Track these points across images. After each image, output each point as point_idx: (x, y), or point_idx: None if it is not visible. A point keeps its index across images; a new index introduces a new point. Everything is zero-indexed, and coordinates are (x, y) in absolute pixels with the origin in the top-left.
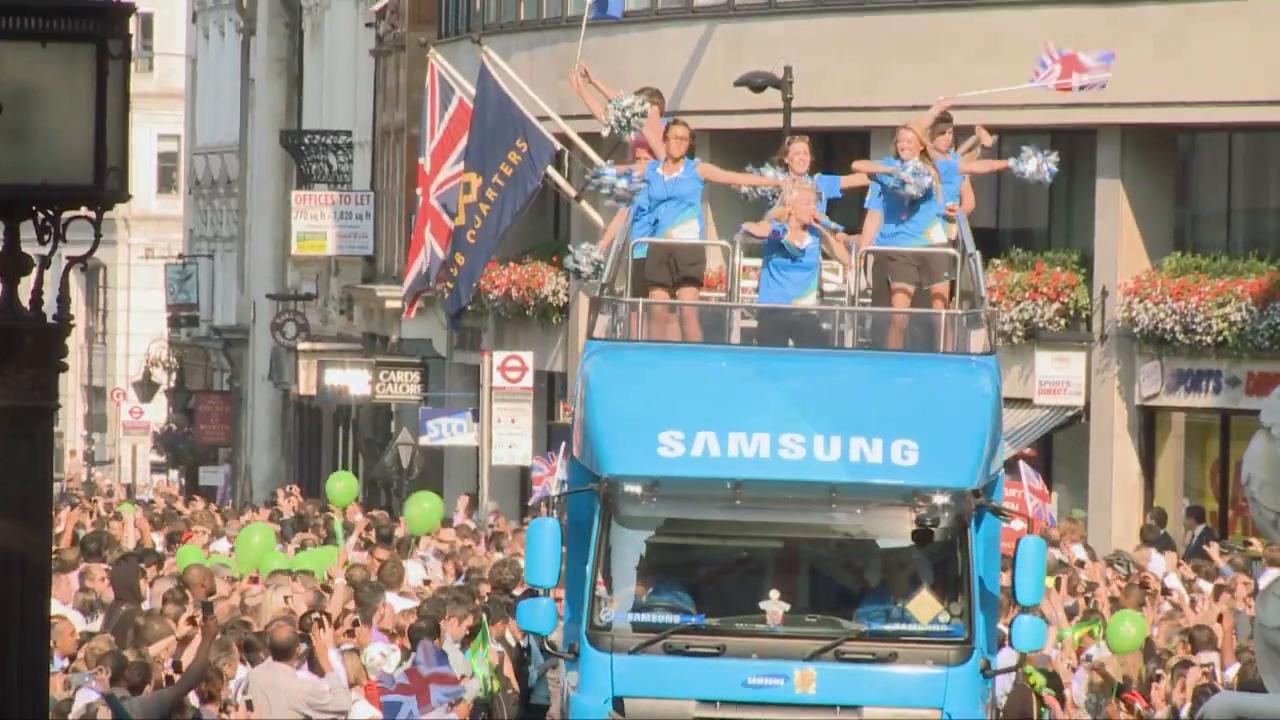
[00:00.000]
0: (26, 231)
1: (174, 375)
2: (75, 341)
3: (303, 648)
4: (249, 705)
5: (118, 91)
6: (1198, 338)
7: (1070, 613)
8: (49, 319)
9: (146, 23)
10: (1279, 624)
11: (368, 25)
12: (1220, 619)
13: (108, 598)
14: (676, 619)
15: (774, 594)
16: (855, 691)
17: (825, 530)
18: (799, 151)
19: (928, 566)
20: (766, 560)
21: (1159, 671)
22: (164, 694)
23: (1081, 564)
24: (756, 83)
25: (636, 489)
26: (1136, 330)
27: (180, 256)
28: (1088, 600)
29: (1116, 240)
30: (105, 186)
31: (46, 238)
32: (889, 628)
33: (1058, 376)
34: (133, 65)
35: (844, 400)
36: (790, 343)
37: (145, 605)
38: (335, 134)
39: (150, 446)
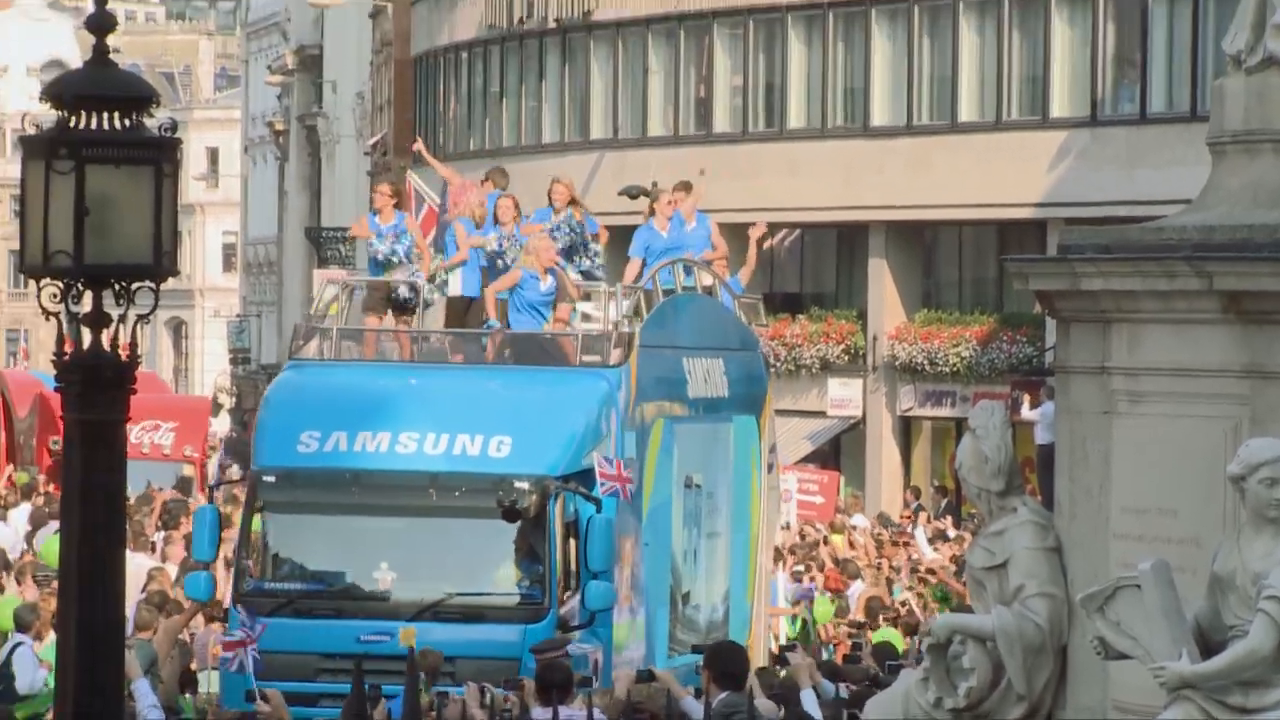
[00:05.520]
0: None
1: (234, 398)
2: (166, 375)
3: None
4: None
5: (169, 199)
6: (939, 368)
7: (843, 564)
8: (123, 358)
9: (214, 154)
10: (982, 565)
11: (365, 154)
12: (952, 560)
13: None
14: (302, 586)
15: (384, 565)
16: (449, 645)
17: (428, 511)
18: (558, 191)
19: (513, 541)
20: (380, 537)
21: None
22: None
23: (854, 527)
24: (633, 192)
25: (273, 478)
26: (897, 363)
27: (238, 315)
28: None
29: (883, 301)
30: (161, 265)
31: (121, 301)
32: (478, 592)
33: (843, 395)
34: (203, 183)
35: (458, 404)
36: (456, 360)
37: None
38: (343, 229)
39: (219, 449)
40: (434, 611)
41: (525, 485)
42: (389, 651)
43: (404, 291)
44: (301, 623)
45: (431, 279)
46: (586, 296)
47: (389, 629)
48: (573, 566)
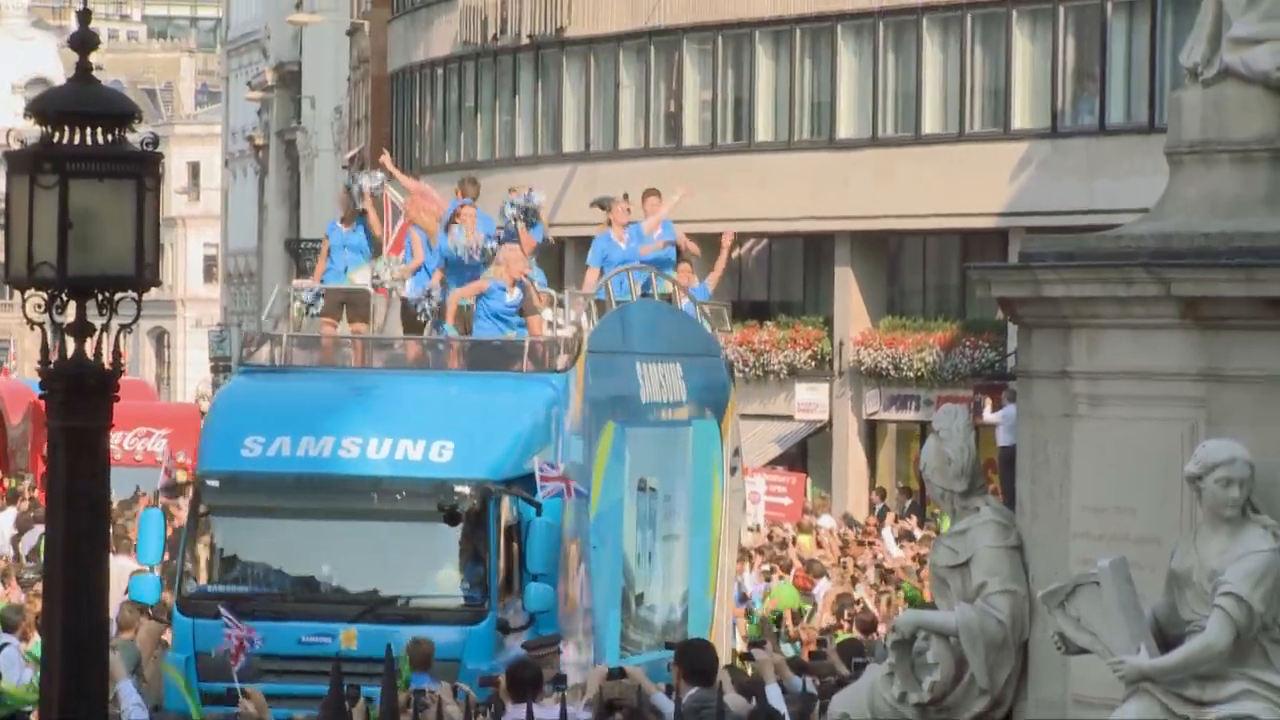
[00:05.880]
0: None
1: None
2: (149, 383)
3: None
4: None
5: (152, 212)
6: (904, 373)
7: (809, 563)
8: (106, 366)
9: (195, 168)
10: (945, 563)
11: (344, 168)
12: (915, 559)
13: None
14: (246, 589)
15: (326, 568)
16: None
17: (370, 515)
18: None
19: (455, 544)
20: (322, 540)
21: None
22: None
23: (820, 528)
24: (605, 203)
25: (216, 482)
26: (863, 368)
27: (219, 325)
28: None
29: (848, 308)
30: (143, 276)
31: (104, 311)
32: (419, 594)
33: (810, 400)
34: (184, 197)
35: (403, 409)
36: (404, 366)
37: None
38: (321, 241)
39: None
40: (375, 613)
41: (466, 489)
42: (330, 653)
43: (361, 282)
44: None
45: (379, 277)
46: (559, 304)
47: (331, 631)
48: (516, 569)
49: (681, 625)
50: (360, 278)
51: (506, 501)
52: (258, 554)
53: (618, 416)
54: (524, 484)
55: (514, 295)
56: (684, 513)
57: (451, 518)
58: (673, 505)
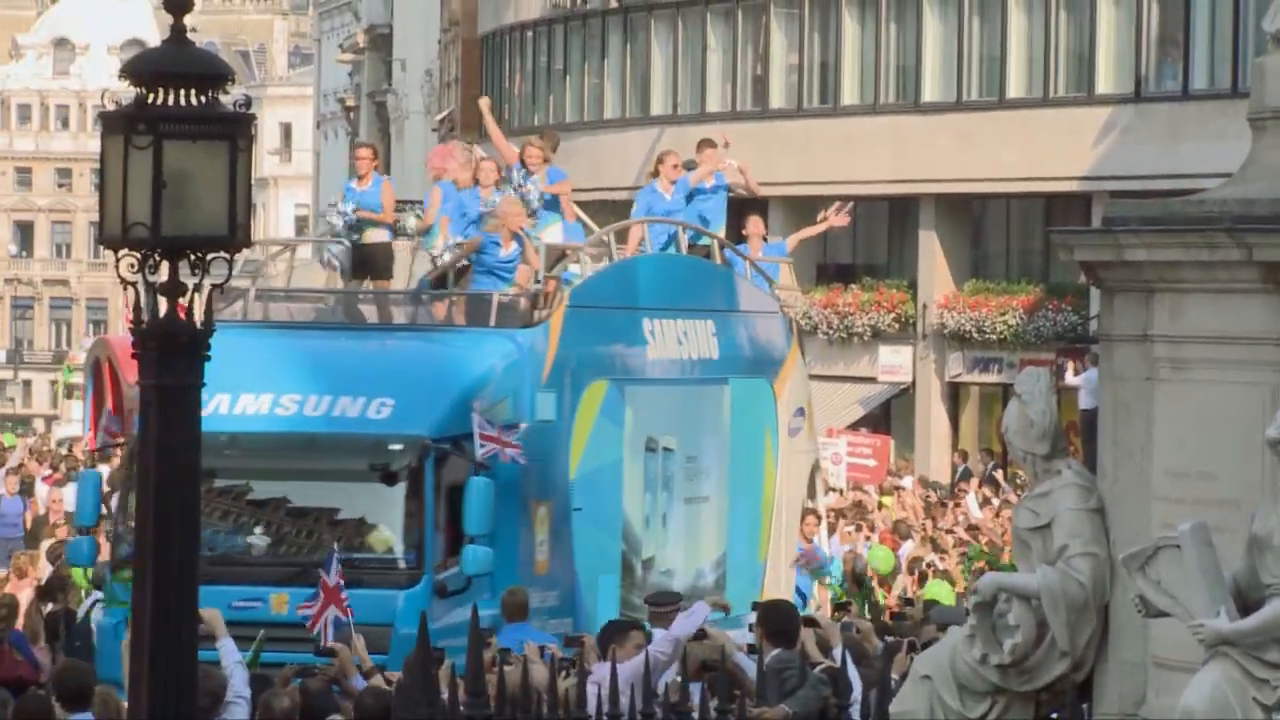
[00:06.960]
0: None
1: None
2: None
3: None
4: None
5: (244, 173)
6: (987, 336)
7: (896, 524)
8: (198, 325)
9: (287, 129)
10: (1027, 525)
11: (434, 130)
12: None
13: None
14: None
15: (258, 529)
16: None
17: (305, 474)
18: (530, 154)
19: (388, 503)
20: (256, 500)
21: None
22: None
23: (902, 489)
24: (691, 165)
25: None
26: (946, 331)
27: None
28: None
29: (933, 271)
30: (235, 236)
31: (197, 271)
32: (352, 556)
33: (894, 362)
34: (276, 157)
35: (349, 366)
36: (371, 321)
37: None
38: (412, 202)
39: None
40: (307, 576)
41: (399, 446)
42: (261, 619)
43: (335, 250)
44: None
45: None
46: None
47: (261, 594)
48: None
49: (716, 589)
50: (374, 237)
51: (452, 460)
52: None
53: (611, 374)
54: (470, 442)
55: (510, 249)
56: (718, 474)
57: (388, 476)
58: (699, 467)
